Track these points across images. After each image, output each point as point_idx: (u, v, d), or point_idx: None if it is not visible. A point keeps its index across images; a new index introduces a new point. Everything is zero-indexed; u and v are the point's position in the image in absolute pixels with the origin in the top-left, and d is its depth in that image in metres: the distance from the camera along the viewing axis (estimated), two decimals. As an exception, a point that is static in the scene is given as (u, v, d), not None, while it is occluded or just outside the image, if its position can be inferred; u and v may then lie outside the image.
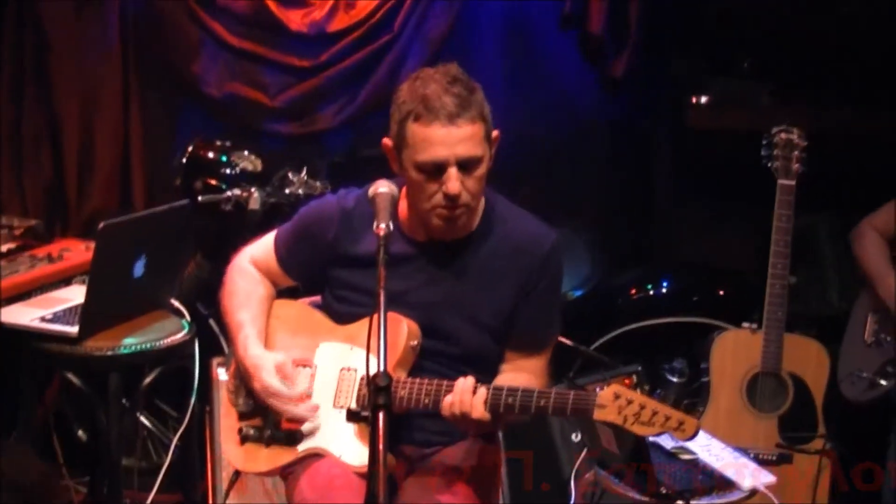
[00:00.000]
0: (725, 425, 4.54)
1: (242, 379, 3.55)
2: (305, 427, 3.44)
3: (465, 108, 3.25)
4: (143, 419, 4.89)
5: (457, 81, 3.29)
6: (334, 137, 5.87)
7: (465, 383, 3.22)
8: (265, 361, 3.43)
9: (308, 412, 3.41)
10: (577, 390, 3.22)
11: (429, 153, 3.26)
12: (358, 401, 3.40)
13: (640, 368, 4.81)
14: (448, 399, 3.22)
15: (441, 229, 3.37)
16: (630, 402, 3.10)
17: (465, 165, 3.27)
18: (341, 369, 3.45)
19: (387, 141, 3.38)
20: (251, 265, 3.66)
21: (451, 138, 3.24)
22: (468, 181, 3.28)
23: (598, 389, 3.16)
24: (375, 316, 2.98)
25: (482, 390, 3.20)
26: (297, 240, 3.60)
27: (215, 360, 4.55)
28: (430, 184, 3.29)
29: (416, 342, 3.40)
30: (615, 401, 3.11)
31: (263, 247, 3.67)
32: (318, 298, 3.68)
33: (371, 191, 3.29)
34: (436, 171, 3.27)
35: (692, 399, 4.79)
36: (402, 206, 3.43)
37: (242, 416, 3.55)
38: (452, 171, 3.26)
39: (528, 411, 3.20)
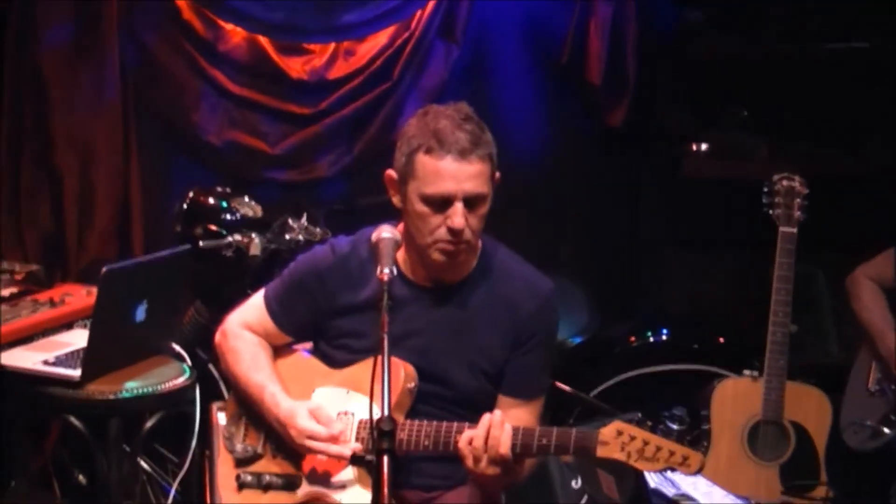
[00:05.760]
0: (726, 473, 4.51)
1: (240, 425, 3.56)
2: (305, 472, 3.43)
3: (477, 146, 3.28)
4: (142, 463, 4.86)
5: (469, 119, 3.32)
6: (331, 186, 5.89)
7: (489, 417, 3.20)
8: (299, 408, 3.39)
9: (345, 451, 3.35)
10: (580, 428, 3.21)
11: (438, 186, 3.27)
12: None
13: (639, 415, 4.79)
14: (468, 433, 3.20)
15: (440, 265, 3.37)
16: (633, 438, 3.11)
17: (471, 202, 3.29)
18: (338, 414, 3.43)
19: (391, 172, 3.39)
20: (245, 330, 3.62)
21: (462, 174, 3.26)
22: (471, 218, 3.30)
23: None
24: (375, 359, 2.99)
25: (509, 425, 3.18)
26: (293, 296, 3.56)
27: (215, 405, 4.51)
28: (434, 217, 3.30)
29: (412, 385, 3.40)
30: (618, 437, 3.11)
31: (253, 309, 3.63)
32: (307, 345, 3.66)
33: (374, 236, 3.30)
34: (442, 204, 3.28)
35: (693, 447, 4.77)
36: (401, 250, 3.42)
37: (239, 463, 3.54)
38: (458, 206, 3.27)
39: (529, 451, 3.20)
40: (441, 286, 3.46)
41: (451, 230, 3.29)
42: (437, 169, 3.28)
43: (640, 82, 5.86)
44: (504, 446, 3.17)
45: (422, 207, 3.31)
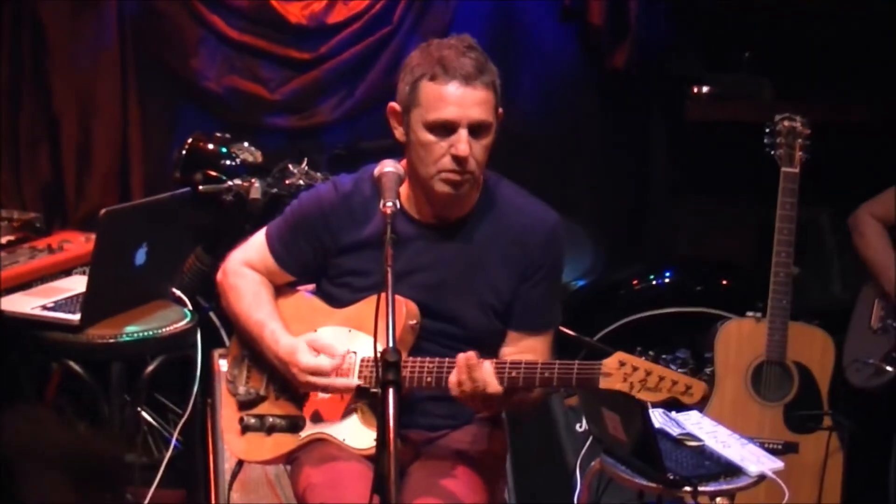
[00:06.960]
0: (730, 415, 4.51)
1: (243, 368, 3.54)
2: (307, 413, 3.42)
3: (482, 72, 3.24)
4: (144, 414, 4.85)
5: (473, 48, 3.29)
6: (333, 132, 5.85)
7: (464, 359, 3.17)
8: (299, 344, 3.36)
9: (351, 382, 3.33)
10: (582, 361, 3.18)
11: (442, 112, 3.23)
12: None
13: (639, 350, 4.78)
14: (453, 378, 3.18)
15: (444, 197, 3.32)
16: (636, 368, 3.09)
17: (476, 130, 3.25)
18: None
19: (393, 105, 3.35)
20: (246, 268, 3.57)
21: (467, 100, 3.22)
22: (475, 147, 3.26)
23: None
24: (378, 296, 2.96)
25: (487, 363, 3.16)
26: (295, 234, 3.51)
27: (217, 352, 4.51)
28: (438, 145, 3.26)
29: (414, 321, 3.36)
30: (620, 368, 3.10)
31: (255, 248, 3.58)
32: (310, 287, 3.63)
33: (377, 170, 3.26)
34: (446, 131, 3.24)
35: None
36: (404, 187, 3.37)
37: (242, 406, 3.51)
38: (463, 133, 3.23)
39: (532, 384, 3.18)
40: (445, 222, 3.42)
41: (455, 158, 3.25)
42: (441, 95, 3.24)
43: (643, 24, 5.82)
44: (492, 386, 3.15)
45: (426, 135, 3.27)
